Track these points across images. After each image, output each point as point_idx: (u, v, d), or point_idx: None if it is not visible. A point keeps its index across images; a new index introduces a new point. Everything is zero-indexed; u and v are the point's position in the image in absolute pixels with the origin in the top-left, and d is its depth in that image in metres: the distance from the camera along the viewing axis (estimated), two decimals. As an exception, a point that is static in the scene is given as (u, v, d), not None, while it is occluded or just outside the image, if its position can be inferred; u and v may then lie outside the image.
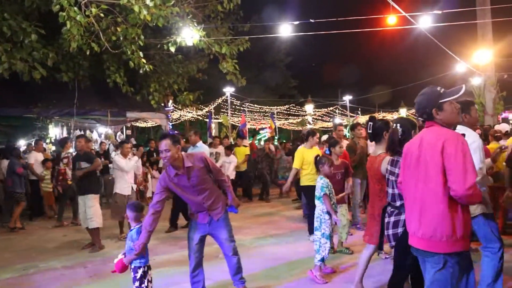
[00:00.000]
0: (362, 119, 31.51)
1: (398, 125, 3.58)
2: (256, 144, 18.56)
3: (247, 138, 21.95)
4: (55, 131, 16.26)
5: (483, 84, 15.02)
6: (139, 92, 12.43)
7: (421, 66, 39.84)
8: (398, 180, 3.20)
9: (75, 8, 6.77)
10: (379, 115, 34.48)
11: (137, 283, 3.99)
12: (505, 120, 21.08)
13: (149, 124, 22.70)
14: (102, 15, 7.42)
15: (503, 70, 18.75)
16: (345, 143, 7.65)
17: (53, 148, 15.26)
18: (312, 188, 6.63)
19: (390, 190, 3.65)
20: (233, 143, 14.67)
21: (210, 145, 11.47)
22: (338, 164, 6.21)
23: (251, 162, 12.68)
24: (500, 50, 16.54)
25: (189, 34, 8.74)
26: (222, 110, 24.73)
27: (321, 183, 5.26)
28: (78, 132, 14.55)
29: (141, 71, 9.05)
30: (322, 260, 4.97)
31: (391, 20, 10.55)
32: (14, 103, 11.25)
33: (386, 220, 3.64)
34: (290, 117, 31.62)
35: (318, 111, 31.32)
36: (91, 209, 6.73)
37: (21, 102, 11.36)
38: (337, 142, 6.48)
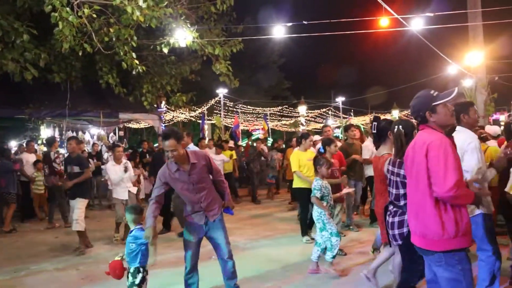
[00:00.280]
0: (355, 120, 31.69)
1: (400, 126, 3.61)
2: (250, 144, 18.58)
3: (240, 139, 21.98)
4: (46, 132, 16.11)
5: (475, 86, 15.13)
6: (131, 93, 12.39)
7: (413, 68, 40.17)
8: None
9: (68, 8, 6.72)
10: (371, 117, 34.63)
11: None
12: (496, 122, 21.29)
13: (141, 125, 22.62)
14: (94, 15, 7.38)
15: (494, 72, 18.92)
16: (338, 144, 7.69)
17: (45, 149, 15.15)
18: (304, 191, 6.69)
19: (393, 190, 3.67)
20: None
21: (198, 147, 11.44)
22: (334, 161, 6.27)
23: (242, 162, 12.71)
24: (491, 52, 16.69)
25: (182, 35, 8.72)
26: (215, 111, 24.69)
27: (313, 185, 5.31)
28: (70, 133, 14.47)
29: (134, 72, 9.02)
30: (334, 257, 5.13)
31: (383, 22, 10.60)
32: (5, 104, 11.16)
33: (390, 220, 3.67)
34: (283, 118, 31.64)
35: (311, 113, 31.39)
36: (78, 210, 6.67)
37: (12, 103, 11.28)
38: (332, 141, 6.51)
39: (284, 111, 30.37)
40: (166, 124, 21.01)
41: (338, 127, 31.53)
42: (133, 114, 13.56)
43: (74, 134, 15.76)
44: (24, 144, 11.21)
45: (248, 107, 27.96)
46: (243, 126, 28.57)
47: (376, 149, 4.44)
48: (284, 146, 14.45)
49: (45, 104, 11.68)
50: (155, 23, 7.96)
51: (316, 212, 5.28)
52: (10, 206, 8.67)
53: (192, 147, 7.76)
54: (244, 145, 20.12)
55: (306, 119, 27.78)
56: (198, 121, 23.32)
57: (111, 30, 8.08)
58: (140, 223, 3.99)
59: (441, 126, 2.89)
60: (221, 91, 23.45)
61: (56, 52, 9.32)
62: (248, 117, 29.16)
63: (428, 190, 2.74)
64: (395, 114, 30.21)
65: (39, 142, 15.86)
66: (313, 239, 6.84)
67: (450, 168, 2.64)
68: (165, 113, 15.94)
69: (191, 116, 23.80)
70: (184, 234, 4.33)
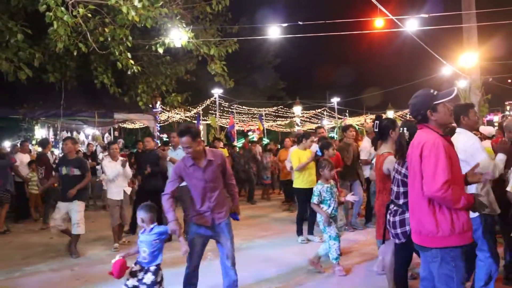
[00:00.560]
0: (350, 121, 31.75)
1: (405, 128, 3.65)
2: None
3: (236, 139, 21.96)
4: (41, 133, 16.08)
5: (469, 87, 15.21)
6: (126, 93, 12.34)
7: (408, 69, 40.32)
8: None
9: (62, 8, 6.69)
10: (367, 117, 34.76)
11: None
12: (490, 123, 21.42)
13: (136, 126, 22.55)
14: (89, 15, 7.35)
15: (488, 73, 19.03)
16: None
17: (39, 149, 15.09)
18: (304, 191, 6.70)
19: (394, 188, 3.71)
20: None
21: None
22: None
23: (236, 162, 12.69)
24: (485, 53, 16.79)
25: (178, 36, 8.71)
26: (210, 111, 24.66)
27: (314, 190, 5.39)
28: (65, 134, 14.41)
29: (129, 72, 9.00)
30: (336, 259, 5.19)
31: (378, 23, 10.63)
32: (-1, 104, 11.10)
33: (392, 219, 3.71)
34: (278, 118, 31.67)
35: (306, 113, 31.44)
36: (78, 214, 6.53)
37: (6, 103, 11.20)
38: (330, 144, 6.54)
39: (279, 112, 30.41)
40: (161, 124, 20.96)
41: (333, 128, 31.59)
42: (128, 114, 13.50)
43: (69, 134, 15.71)
44: (18, 144, 11.13)
45: (244, 107, 27.96)
46: (238, 126, 28.57)
47: (375, 148, 4.49)
48: (279, 146, 14.45)
49: (39, 104, 11.61)
50: (150, 23, 7.94)
51: (318, 215, 5.40)
52: (3, 206, 8.61)
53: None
54: (240, 145, 20.12)
55: (301, 120, 27.83)
56: (193, 121, 23.27)
57: (106, 30, 8.06)
58: (154, 221, 3.93)
59: (441, 125, 2.95)
60: (216, 92, 23.43)
61: (51, 52, 9.26)
62: (243, 117, 29.16)
63: (421, 189, 2.81)
64: (390, 114, 30.30)
65: (34, 142, 15.81)
66: (309, 240, 6.87)
67: (440, 169, 2.69)
68: (160, 113, 15.88)
69: (186, 117, 23.75)
70: (189, 235, 4.27)
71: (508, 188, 3.67)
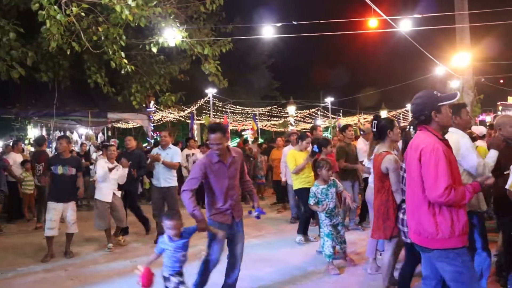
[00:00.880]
0: (343, 121, 31.85)
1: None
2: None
3: (230, 139, 21.95)
4: (34, 132, 15.98)
5: (461, 87, 15.31)
6: (120, 93, 12.28)
7: (401, 69, 40.52)
8: None
9: (55, 6, 6.67)
10: (360, 117, 34.89)
11: None
12: (482, 123, 21.56)
13: (130, 125, 22.49)
14: (83, 14, 7.32)
15: (481, 73, 19.19)
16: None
17: (32, 149, 14.99)
18: (305, 191, 6.62)
19: (404, 188, 3.67)
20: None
21: (186, 147, 11.39)
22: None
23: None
24: (478, 54, 16.93)
25: (172, 35, 8.70)
26: (204, 111, 24.67)
27: (310, 191, 5.41)
28: (58, 133, 14.32)
29: (122, 72, 8.96)
30: (328, 256, 5.22)
31: (372, 23, 10.67)
32: (-9, 104, 11.01)
33: (401, 216, 3.77)
34: (272, 118, 31.73)
35: (300, 113, 31.52)
36: (74, 213, 6.51)
37: (-2, 102, 11.12)
38: (328, 141, 6.52)
39: (273, 111, 30.46)
40: (155, 124, 20.90)
41: (327, 128, 31.67)
42: (122, 114, 13.43)
43: (62, 134, 15.62)
44: (11, 144, 11.03)
45: (237, 107, 28.00)
46: (233, 126, 28.56)
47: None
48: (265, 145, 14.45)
49: (32, 104, 11.54)
50: (144, 22, 7.93)
51: (318, 214, 5.46)
52: (-4, 206, 8.53)
53: (173, 147, 7.67)
54: (236, 145, 20.10)
55: (295, 119, 27.88)
56: (187, 121, 23.24)
57: (100, 29, 8.03)
58: (180, 228, 3.83)
59: (442, 127, 2.99)
60: (210, 91, 23.46)
61: (44, 51, 9.19)
62: (237, 117, 29.17)
63: (421, 193, 2.84)
64: (383, 114, 30.44)
65: (26, 142, 15.71)
66: (306, 240, 6.81)
67: (441, 174, 2.72)
68: (154, 113, 15.86)
69: (180, 116, 23.73)
70: (211, 234, 4.17)
71: (507, 186, 3.70)
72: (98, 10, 8.03)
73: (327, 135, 27.84)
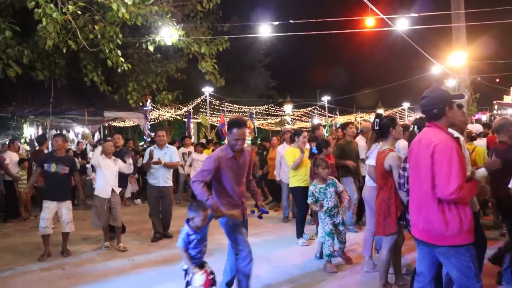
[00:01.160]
0: (340, 119, 31.90)
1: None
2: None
3: (226, 137, 21.92)
4: (30, 131, 15.90)
5: (458, 86, 15.37)
6: (117, 91, 12.27)
7: (398, 68, 40.62)
8: None
9: (51, 5, 6.63)
10: (357, 116, 34.96)
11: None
12: (478, 122, 21.68)
13: (127, 124, 22.42)
14: (79, 12, 7.31)
15: (477, 72, 19.28)
16: None
17: (28, 148, 14.93)
18: (301, 190, 6.60)
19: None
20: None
21: (182, 145, 11.39)
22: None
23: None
24: (474, 53, 17.00)
25: (168, 33, 8.69)
26: (201, 110, 24.61)
27: (308, 190, 5.44)
28: (54, 132, 14.26)
29: (119, 70, 8.93)
30: (328, 256, 5.24)
31: (369, 22, 10.69)
32: (-14, 102, 10.97)
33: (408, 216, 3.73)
34: (269, 117, 31.69)
35: (297, 111, 31.52)
36: (70, 212, 6.46)
37: (-6, 101, 11.07)
38: (327, 143, 6.49)
39: (270, 110, 30.44)
40: (152, 122, 20.86)
41: (324, 126, 31.70)
42: (118, 113, 13.41)
43: (61, 132, 15.58)
44: (7, 143, 10.99)
45: (234, 105, 27.94)
46: (229, 125, 28.49)
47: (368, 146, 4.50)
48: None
49: (28, 102, 11.50)
50: (141, 20, 7.91)
51: (318, 213, 5.48)
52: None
53: (170, 146, 7.66)
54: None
55: (292, 118, 27.88)
56: (184, 119, 23.19)
57: (96, 27, 8.00)
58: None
59: (451, 124, 3.01)
60: (207, 90, 23.38)
61: (40, 49, 9.17)
62: (234, 115, 29.13)
63: (430, 190, 2.82)
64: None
65: (22, 141, 15.64)
66: (311, 239, 6.73)
67: (454, 173, 2.72)
68: (150, 111, 15.84)
69: (176, 115, 23.66)
70: (234, 230, 4.10)
71: (510, 185, 3.71)
72: (95, 8, 8.01)
73: (324, 133, 27.86)
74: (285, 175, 7.97)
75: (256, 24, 11.25)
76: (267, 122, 32.81)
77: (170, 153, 7.41)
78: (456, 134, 3.96)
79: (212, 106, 25.39)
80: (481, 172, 3.44)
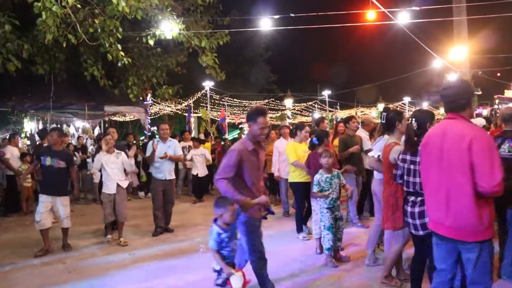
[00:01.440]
0: (341, 114, 31.87)
1: (413, 119, 3.65)
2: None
3: (227, 132, 21.93)
4: (30, 125, 15.90)
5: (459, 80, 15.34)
6: (117, 86, 12.24)
7: (399, 62, 40.53)
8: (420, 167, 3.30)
9: (51, -2, 6.61)
10: (358, 110, 34.93)
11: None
12: (479, 116, 21.66)
13: (127, 118, 22.41)
14: (79, 6, 7.28)
15: (477, 66, 19.23)
16: None
17: (28, 142, 14.93)
18: (301, 185, 6.55)
19: (417, 179, 3.63)
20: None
21: (182, 140, 11.38)
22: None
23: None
24: (475, 47, 16.94)
25: (168, 27, 8.66)
26: (201, 104, 24.60)
27: (314, 180, 5.39)
28: (54, 126, 14.26)
29: (119, 64, 8.90)
30: (328, 249, 5.23)
31: (370, 15, 10.65)
32: (-14, 96, 10.95)
33: (409, 210, 3.68)
34: (269, 111, 31.64)
35: (298, 106, 31.49)
36: (66, 207, 6.42)
37: (-6, 95, 11.05)
38: (327, 133, 6.47)
39: (271, 104, 30.41)
40: (152, 117, 20.86)
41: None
42: (119, 107, 13.39)
43: (59, 127, 15.56)
44: (8, 137, 10.98)
45: (235, 100, 27.92)
46: (230, 119, 28.53)
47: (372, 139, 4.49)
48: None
49: (28, 97, 11.47)
50: (141, 14, 7.88)
51: (318, 204, 5.43)
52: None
53: (173, 140, 7.65)
54: (236, 136, 20.12)
55: (292, 112, 27.86)
56: (184, 114, 23.18)
57: (96, 21, 7.97)
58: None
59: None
60: (208, 84, 23.36)
61: (40, 43, 9.13)
62: (234, 110, 29.12)
63: (469, 183, 2.71)
64: (380, 107, 30.46)
65: (23, 135, 15.64)
66: (310, 235, 6.62)
67: (497, 165, 2.67)
68: (151, 106, 15.84)
69: (177, 109, 23.66)
70: (246, 226, 3.90)
71: None
72: (94, 2, 7.98)
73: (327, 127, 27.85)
74: (284, 170, 7.94)
75: (257, 17, 11.21)
76: (268, 117, 32.79)
77: (174, 146, 7.42)
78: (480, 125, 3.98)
79: (213, 101, 25.38)
80: None
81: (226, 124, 21.60)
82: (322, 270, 5.13)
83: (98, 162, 6.76)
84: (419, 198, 3.60)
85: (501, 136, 4.50)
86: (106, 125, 19.36)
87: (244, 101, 28.39)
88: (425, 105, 40.71)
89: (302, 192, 6.55)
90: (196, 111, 24.28)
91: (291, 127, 9.17)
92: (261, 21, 10.83)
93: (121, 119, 22.59)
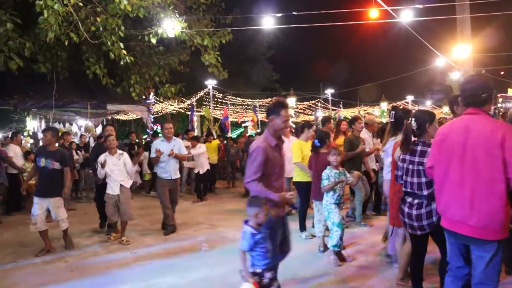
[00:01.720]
0: (344, 112, 31.80)
1: (413, 119, 3.62)
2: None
3: (230, 131, 21.91)
4: (33, 124, 15.91)
5: (462, 79, 15.26)
6: (119, 84, 12.22)
7: (402, 61, 40.40)
8: (427, 165, 3.23)
9: (53, -4, 6.59)
10: (361, 109, 34.84)
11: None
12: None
13: (130, 117, 22.41)
14: (81, 4, 7.26)
15: (481, 65, 19.10)
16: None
17: (31, 141, 14.95)
18: (305, 184, 6.50)
19: (415, 180, 3.60)
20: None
21: (185, 138, 11.39)
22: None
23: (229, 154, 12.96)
24: (478, 45, 16.84)
25: (171, 26, 8.63)
26: (204, 103, 24.54)
27: (322, 175, 5.36)
28: (57, 125, 14.28)
29: (121, 63, 8.89)
30: (335, 246, 5.17)
31: (373, 13, 10.60)
32: (-11, 95, 10.94)
33: (406, 210, 3.63)
34: (271, 110, 31.58)
35: (300, 104, 31.42)
36: (59, 210, 6.25)
37: (-4, 94, 11.05)
38: (328, 134, 6.45)
39: (273, 103, 30.31)
40: (155, 115, 20.83)
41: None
42: (121, 106, 13.36)
43: (61, 125, 15.60)
44: (10, 136, 10.99)
45: (238, 98, 27.85)
46: (233, 118, 28.50)
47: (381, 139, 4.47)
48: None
49: (30, 95, 11.45)
50: (143, 12, 7.86)
51: (324, 201, 5.37)
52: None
53: (176, 138, 7.63)
54: (235, 136, 20.10)
55: (295, 111, 27.80)
56: (187, 112, 23.16)
57: (98, 19, 7.94)
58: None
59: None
60: (210, 83, 23.31)
61: (42, 42, 9.10)
62: (237, 108, 29.07)
63: (500, 180, 2.63)
64: (383, 106, 30.40)
65: (25, 134, 15.67)
66: (313, 235, 6.52)
67: None
68: (153, 104, 15.77)
69: (180, 108, 23.63)
70: (267, 228, 3.63)
71: None
72: (96, 0, 7.95)
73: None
74: (285, 169, 7.89)
75: (259, 16, 11.16)
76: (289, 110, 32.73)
77: (179, 145, 7.40)
78: None
79: (216, 99, 25.33)
80: None
81: (229, 123, 21.58)
82: (325, 269, 5.10)
83: (101, 171, 6.71)
84: (416, 201, 3.57)
85: None
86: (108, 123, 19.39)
87: (247, 100, 28.33)
88: (428, 104, 40.64)
89: (306, 191, 6.51)
90: (199, 109, 24.24)
91: (293, 126, 9.17)
92: (264, 20, 10.79)
93: (123, 117, 22.59)
